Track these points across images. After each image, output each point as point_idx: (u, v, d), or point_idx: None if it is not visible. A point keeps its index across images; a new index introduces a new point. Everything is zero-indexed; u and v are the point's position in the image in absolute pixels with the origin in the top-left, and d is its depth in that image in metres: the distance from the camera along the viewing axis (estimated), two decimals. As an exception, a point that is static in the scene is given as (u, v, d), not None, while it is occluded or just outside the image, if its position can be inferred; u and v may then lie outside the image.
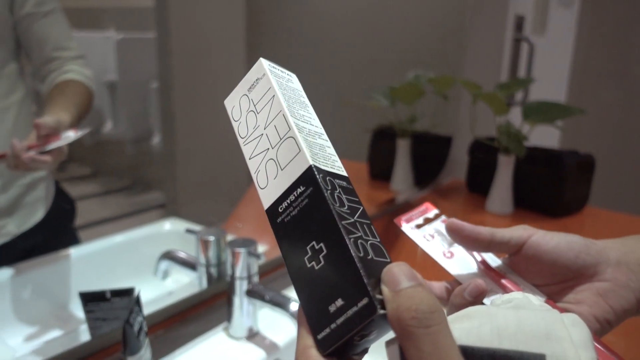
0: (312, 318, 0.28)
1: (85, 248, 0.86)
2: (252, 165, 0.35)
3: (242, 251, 0.71)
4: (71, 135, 0.69)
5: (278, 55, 1.32)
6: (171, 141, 1.07)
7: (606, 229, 1.29)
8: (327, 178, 0.31)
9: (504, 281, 0.40)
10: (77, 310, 0.71)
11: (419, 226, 0.44)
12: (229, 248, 0.71)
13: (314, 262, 0.29)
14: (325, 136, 0.36)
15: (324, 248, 0.29)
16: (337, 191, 0.31)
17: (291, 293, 0.87)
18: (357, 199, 0.32)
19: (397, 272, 0.26)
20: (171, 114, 1.05)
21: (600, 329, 0.36)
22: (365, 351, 0.29)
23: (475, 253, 0.42)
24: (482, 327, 0.28)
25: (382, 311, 0.25)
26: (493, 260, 0.42)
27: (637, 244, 0.38)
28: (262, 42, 1.26)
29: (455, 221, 0.40)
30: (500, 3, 1.68)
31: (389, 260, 0.29)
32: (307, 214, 0.30)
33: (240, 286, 0.72)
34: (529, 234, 0.38)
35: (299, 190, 0.31)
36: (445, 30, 1.63)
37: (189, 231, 0.80)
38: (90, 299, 0.63)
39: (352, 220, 0.30)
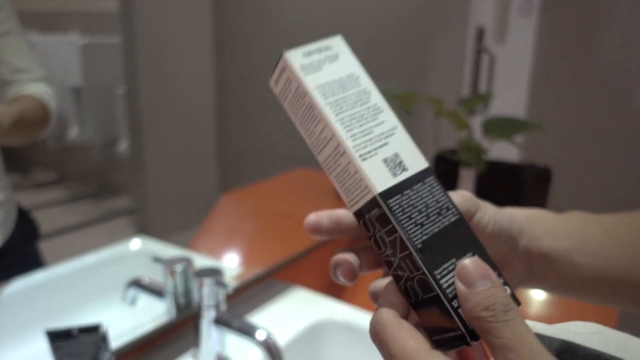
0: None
1: (49, 273, 0.86)
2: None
3: (208, 282, 0.72)
4: None
5: (243, 59, 1.33)
6: (139, 147, 1.06)
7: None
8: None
9: None
10: (41, 340, 0.71)
11: None
12: (196, 278, 0.73)
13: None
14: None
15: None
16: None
17: (258, 317, 0.89)
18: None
19: (472, 271, 0.28)
20: (138, 119, 1.05)
21: None
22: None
23: None
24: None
25: (474, 342, 0.27)
26: None
27: (540, 228, 0.40)
28: (229, 46, 1.27)
29: None
30: (461, 15, 1.73)
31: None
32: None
33: (208, 314, 0.74)
34: (472, 213, 0.38)
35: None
36: (407, 43, 1.67)
37: (156, 260, 0.81)
38: (57, 337, 0.63)
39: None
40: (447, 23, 1.69)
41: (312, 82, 0.31)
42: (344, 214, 0.33)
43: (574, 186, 2.11)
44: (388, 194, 0.29)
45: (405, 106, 1.36)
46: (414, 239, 0.29)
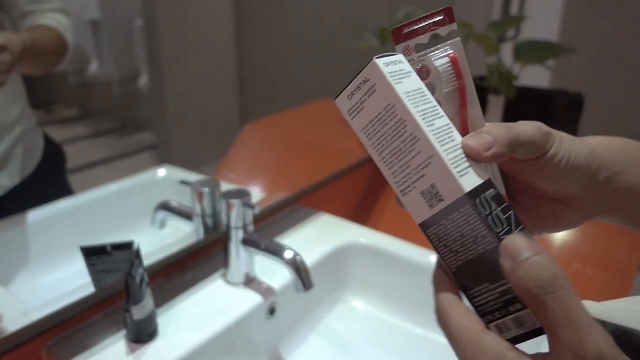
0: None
1: (79, 198, 0.87)
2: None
3: (236, 202, 0.72)
4: None
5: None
6: (159, 81, 1.06)
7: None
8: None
9: None
10: (75, 262, 0.73)
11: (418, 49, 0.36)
12: (223, 199, 0.73)
13: None
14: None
15: None
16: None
17: (284, 240, 0.90)
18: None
19: (516, 244, 0.27)
20: (157, 52, 1.04)
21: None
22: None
23: None
24: None
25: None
26: None
27: (623, 161, 0.37)
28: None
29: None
30: None
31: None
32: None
33: (236, 235, 0.75)
34: (545, 149, 0.35)
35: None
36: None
37: (183, 182, 0.81)
38: (91, 253, 0.65)
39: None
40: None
41: (357, 124, 0.34)
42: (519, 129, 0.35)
43: (606, 114, 2.05)
44: (426, 225, 0.33)
45: (432, 30, 1.31)
46: (449, 265, 0.33)
